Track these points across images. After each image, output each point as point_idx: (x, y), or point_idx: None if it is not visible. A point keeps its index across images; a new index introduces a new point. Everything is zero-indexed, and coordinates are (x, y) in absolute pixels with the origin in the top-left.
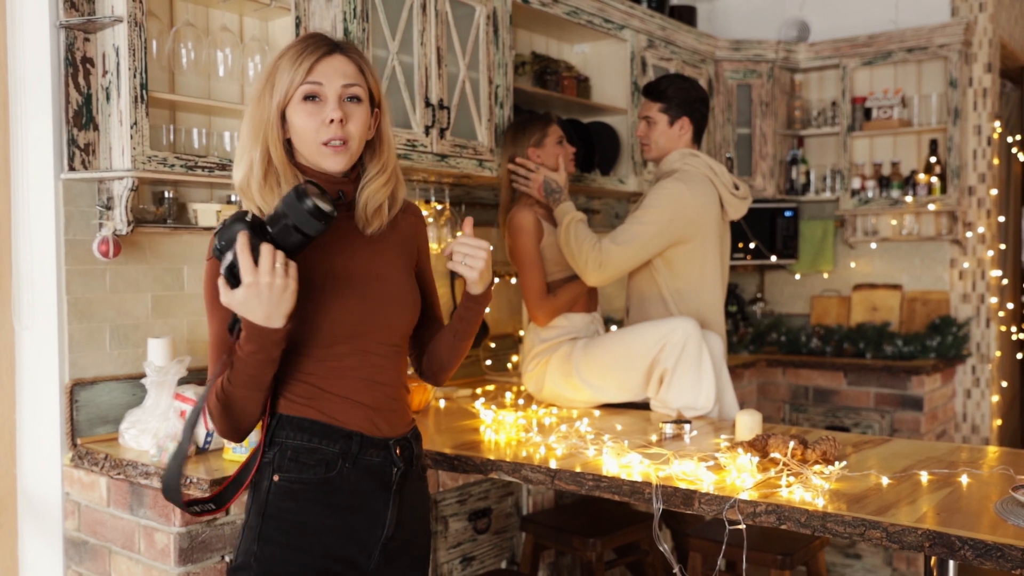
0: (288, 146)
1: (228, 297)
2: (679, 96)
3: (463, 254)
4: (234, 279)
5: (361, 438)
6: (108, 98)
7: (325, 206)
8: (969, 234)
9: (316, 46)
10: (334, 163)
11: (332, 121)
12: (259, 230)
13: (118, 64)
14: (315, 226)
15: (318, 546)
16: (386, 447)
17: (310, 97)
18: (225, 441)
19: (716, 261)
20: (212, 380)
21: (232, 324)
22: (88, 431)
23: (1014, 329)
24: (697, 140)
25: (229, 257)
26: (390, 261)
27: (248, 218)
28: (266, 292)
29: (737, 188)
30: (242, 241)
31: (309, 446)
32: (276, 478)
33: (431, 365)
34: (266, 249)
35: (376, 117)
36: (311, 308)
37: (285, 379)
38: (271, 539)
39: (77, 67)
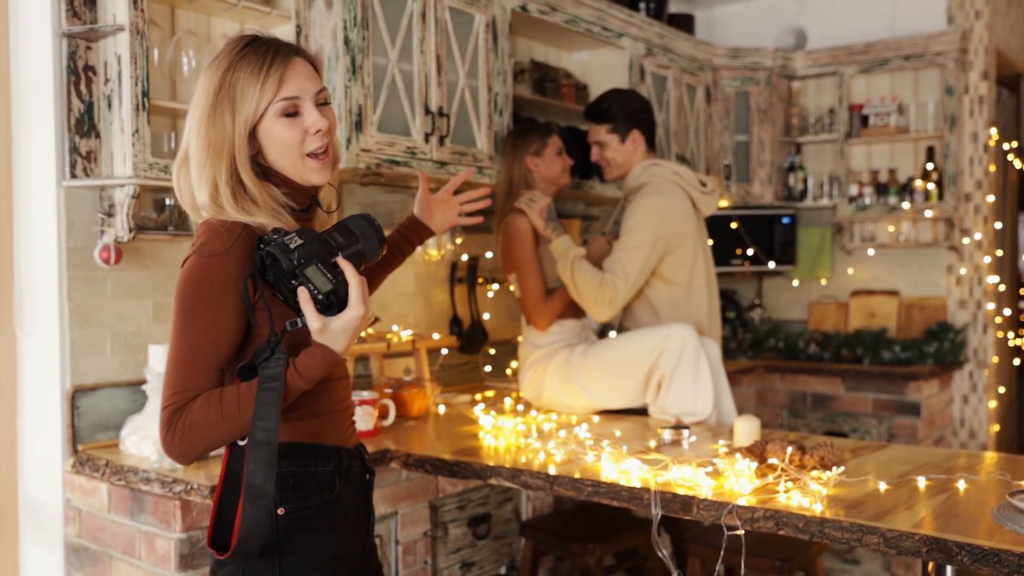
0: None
1: (321, 324)
2: (623, 112)
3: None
4: (335, 306)
5: (346, 452)
6: (110, 106)
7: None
8: (966, 240)
9: (274, 54)
10: (320, 176)
11: (319, 131)
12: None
13: (120, 72)
14: (376, 254)
15: (334, 569)
16: (360, 456)
17: (290, 114)
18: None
19: (702, 265)
20: (190, 391)
21: (275, 346)
22: (89, 437)
23: (1011, 335)
24: (651, 146)
25: (324, 282)
26: None
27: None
28: (363, 323)
29: (704, 184)
30: (350, 268)
31: (306, 470)
32: (281, 511)
33: None
34: (360, 280)
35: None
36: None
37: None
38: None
39: (79, 75)
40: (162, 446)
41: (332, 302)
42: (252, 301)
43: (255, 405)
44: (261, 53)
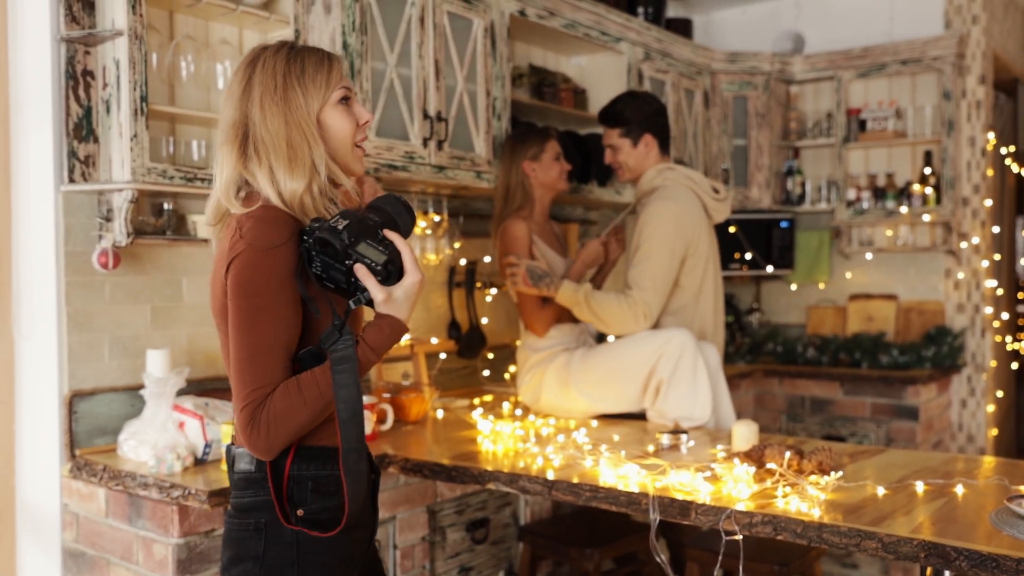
0: None
1: (385, 295)
2: (636, 116)
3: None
4: (394, 275)
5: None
6: (108, 110)
7: None
8: (964, 245)
9: (320, 52)
10: (360, 166)
11: (365, 123)
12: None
13: (118, 77)
14: (411, 230)
15: (347, 571)
16: (369, 456)
17: (344, 100)
18: (224, 453)
19: (712, 270)
20: (268, 386)
21: (340, 327)
22: (87, 442)
23: (1009, 339)
24: (665, 149)
25: (378, 255)
26: None
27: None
28: (421, 287)
29: (717, 191)
30: (398, 238)
31: (324, 473)
32: (300, 513)
33: None
34: (410, 248)
35: None
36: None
37: None
38: None
39: (78, 80)
40: (246, 445)
41: (391, 271)
42: (308, 292)
43: (335, 387)
44: (311, 50)
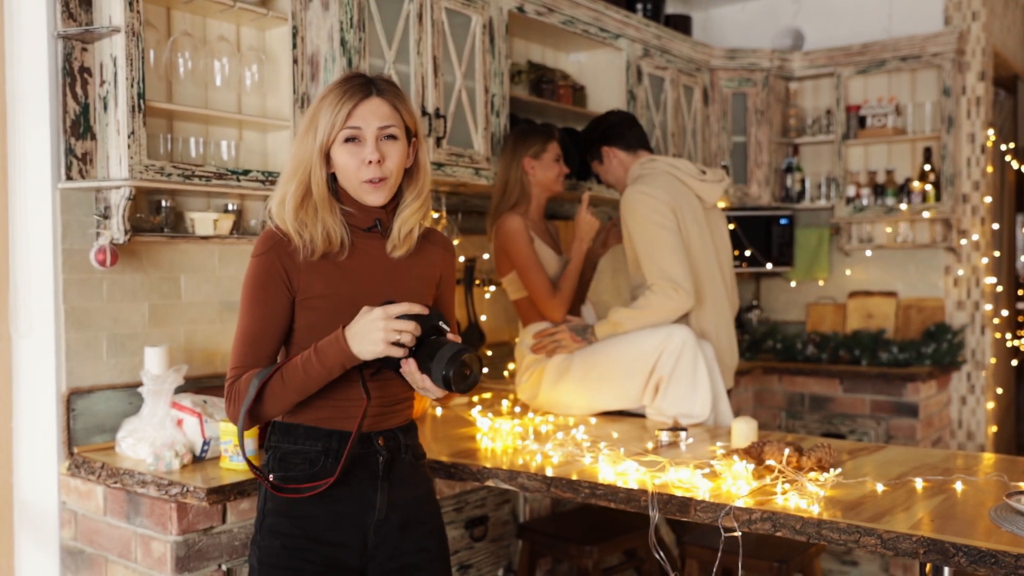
0: (333, 179)
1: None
2: (589, 140)
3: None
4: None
5: (340, 435)
6: (106, 108)
7: (461, 385)
8: (964, 241)
9: (354, 90)
10: (375, 198)
11: (371, 162)
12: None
13: (116, 74)
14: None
15: (310, 531)
16: (369, 440)
17: (350, 139)
18: (222, 449)
19: (711, 253)
20: (241, 368)
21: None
22: (85, 440)
23: (1009, 336)
24: (633, 147)
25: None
26: (407, 288)
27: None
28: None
29: (704, 172)
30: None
31: (295, 448)
32: (271, 477)
33: None
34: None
35: (414, 146)
36: (316, 325)
37: None
38: (271, 529)
39: (75, 77)
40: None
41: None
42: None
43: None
44: (346, 88)
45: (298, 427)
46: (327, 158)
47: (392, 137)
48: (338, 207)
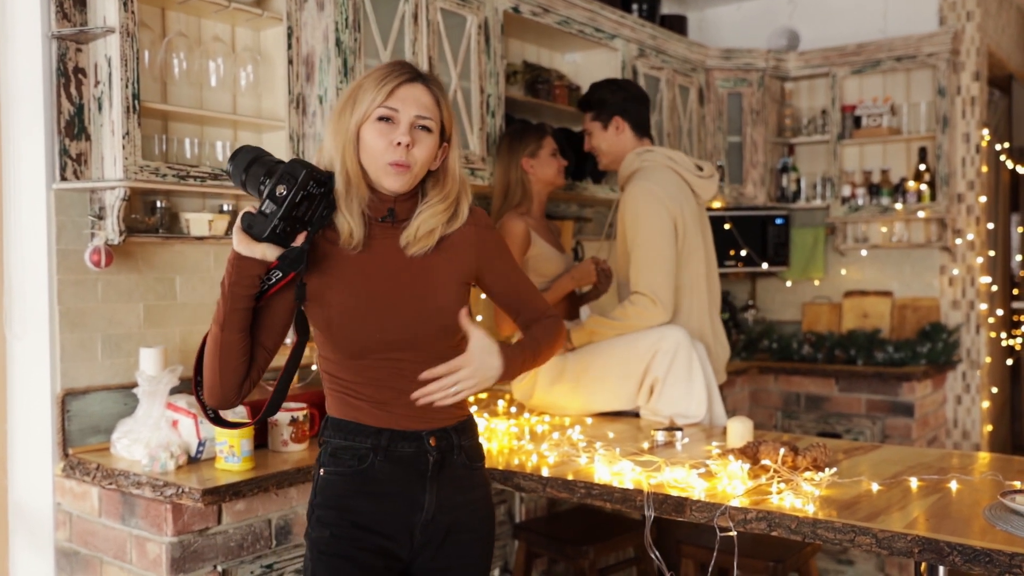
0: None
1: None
2: (607, 99)
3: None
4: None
5: (391, 433)
6: (100, 108)
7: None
8: (959, 241)
9: (400, 72)
10: (393, 182)
11: (400, 144)
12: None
13: (110, 74)
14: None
15: (359, 522)
16: (419, 439)
17: (384, 119)
18: (218, 450)
19: (702, 255)
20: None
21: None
22: (80, 441)
23: (1004, 335)
24: (641, 133)
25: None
26: (435, 280)
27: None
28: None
29: (701, 169)
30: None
31: (345, 444)
32: (322, 472)
33: None
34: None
35: (444, 150)
36: (350, 323)
37: (331, 386)
38: (320, 520)
39: (69, 77)
40: None
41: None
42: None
43: None
44: (392, 68)
45: (349, 423)
46: (357, 139)
47: (427, 129)
48: (366, 187)
